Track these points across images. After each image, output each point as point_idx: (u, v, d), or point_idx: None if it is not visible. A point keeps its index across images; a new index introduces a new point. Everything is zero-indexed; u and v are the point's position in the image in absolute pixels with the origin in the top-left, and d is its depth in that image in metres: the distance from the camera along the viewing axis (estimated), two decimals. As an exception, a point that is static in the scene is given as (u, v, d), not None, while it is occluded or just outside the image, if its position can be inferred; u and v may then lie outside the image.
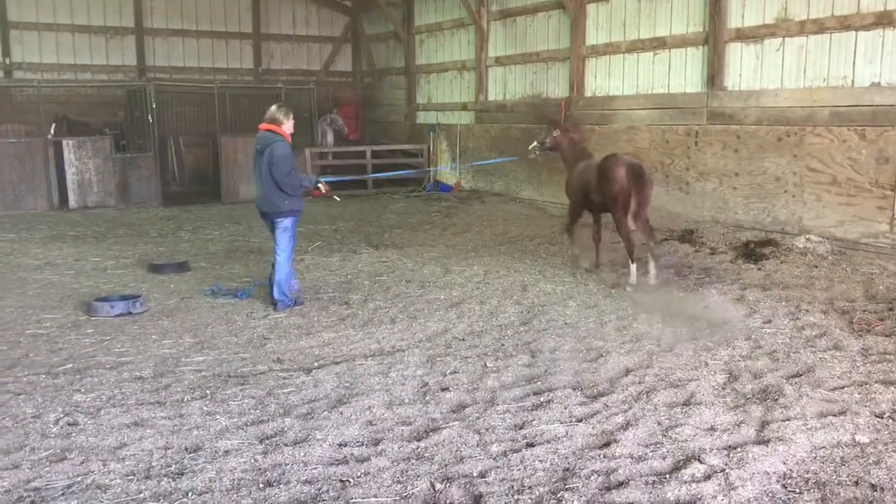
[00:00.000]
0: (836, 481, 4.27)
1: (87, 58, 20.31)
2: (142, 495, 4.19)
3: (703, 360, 6.33)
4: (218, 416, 5.28)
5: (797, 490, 4.18)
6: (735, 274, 9.45)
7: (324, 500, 4.12)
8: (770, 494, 4.13)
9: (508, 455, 4.61)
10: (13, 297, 8.78)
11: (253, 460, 4.59)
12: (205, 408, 5.44)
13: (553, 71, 15.89)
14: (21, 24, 19.46)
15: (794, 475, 4.34)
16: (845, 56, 10.44)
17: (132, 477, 4.39)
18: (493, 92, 17.91)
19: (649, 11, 13.44)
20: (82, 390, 5.80)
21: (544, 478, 4.34)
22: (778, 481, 4.28)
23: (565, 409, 5.34)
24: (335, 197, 9.94)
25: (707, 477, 4.31)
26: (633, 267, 9.06)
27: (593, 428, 5.02)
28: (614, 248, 10.37)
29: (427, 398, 5.60)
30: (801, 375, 5.95)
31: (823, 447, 4.68)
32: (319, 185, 8.54)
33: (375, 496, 4.16)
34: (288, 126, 8.16)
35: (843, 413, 5.19)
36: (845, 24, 10.35)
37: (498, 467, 4.46)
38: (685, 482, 4.25)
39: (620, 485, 4.25)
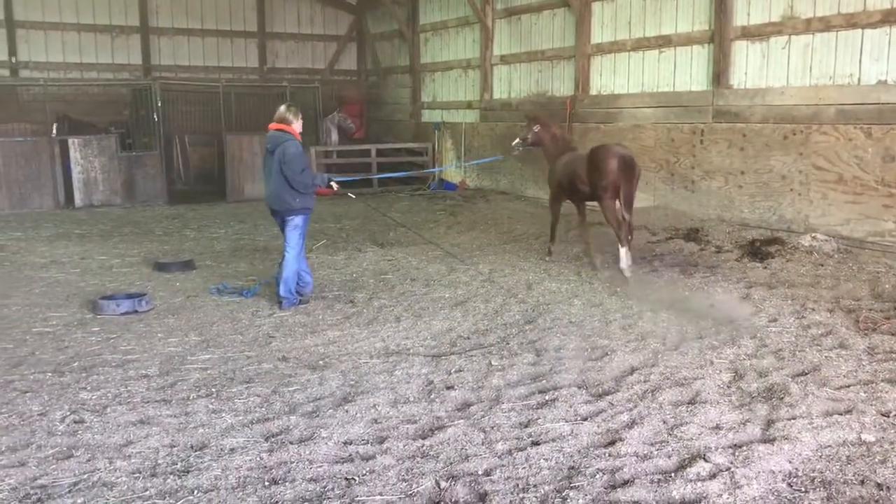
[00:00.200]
0: (841, 480, 4.26)
1: (93, 57, 20.36)
2: (147, 493, 4.20)
3: (708, 359, 6.32)
4: (223, 414, 5.29)
5: (803, 489, 4.17)
6: (741, 272, 9.43)
7: (329, 499, 4.12)
8: (776, 493, 4.13)
9: (513, 453, 4.61)
10: (20, 295, 8.81)
11: (258, 458, 4.60)
12: (210, 406, 5.45)
13: (558, 69, 15.88)
14: (27, 24, 19.52)
15: (800, 474, 4.33)
16: (852, 54, 10.40)
17: (138, 475, 4.41)
18: (498, 90, 17.91)
19: (655, 9, 13.41)
20: (88, 388, 5.82)
21: (549, 476, 4.34)
22: (783, 480, 4.27)
23: (570, 407, 5.34)
24: (350, 195, 10.08)
25: (712, 475, 4.31)
26: (624, 251, 9.30)
27: (598, 426, 5.01)
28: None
29: (432, 396, 5.60)
30: (806, 374, 5.94)
31: (829, 446, 4.67)
32: (332, 183, 8.66)
33: (381, 494, 4.17)
34: (297, 125, 8.23)
35: (848, 412, 5.18)
36: (852, 21, 10.32)
37: (503, 466, 4.46)
38: (690, 481, 4.24)
39: (626, 483, 4.25)
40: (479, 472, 4.39)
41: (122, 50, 20.68)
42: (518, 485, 4.23)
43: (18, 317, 7.90)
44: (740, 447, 4.66)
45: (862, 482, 4.23)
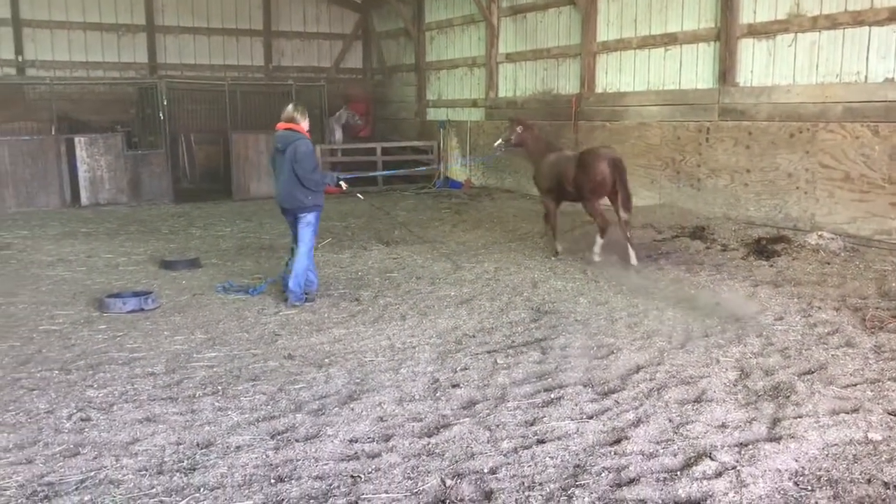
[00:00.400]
0: (848, 479, 4.24)
1: (99, 55, 20.40)
2: (154, 490, 4.21)
3: (714, 357, 6.31)
4: (229, 412, 5.30)
5: (809, 487, 4.16)
6: (747, 271, 9.41)
7: (335, 496, 4.13)
8: (782, 492, 4.12)
9: (519, 451, 4.61)
10: (26, 293, 8.84)
11: (264, 456, 4.61)
12: (216, 404, 5.46)
13: (564, 67, 15.86)
14: (34, 22, 19.56)
15: (807, 472, 4.32)
16: (858, 51, 10.37)
17: (144, 472, 4.42)
18: (504, 88, 17.89)
19: (660, 7, 13.38)
20: (95, 386, 5.83)
21: (555, 474, 4.34)
22: (790, 479, 4.26)
23: (576, 405, 5.34)
24: (358, 195, 10.17)
25: (718, 474, 4.30)
26: (601, 241, 10.00)
27: (604, 425, 5.01)
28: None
29: (438, 394, 5.61)
30: (813, 372, 5.92)
31: (836, 444, 4.66)
32: (341, 182, 8.78)
33: (386, 492, 4.17)
34: (305, 124, 8.35)
35: (855, 410, 5.16)
36: (858, 19, 10.28)
37: (509, 464, 4.46)
38: (696, 479, 4.24)
39: (631, 482, 4.24)
40: (485, 471, 4.39)
41: (128, 48, 20.72)
42: (524, 483, 4.23)
43: (25, 315, 7.93)
44: (746, 446, 4.65)
45: (868, 481, 4.22)
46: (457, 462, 4.50)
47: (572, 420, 5.08)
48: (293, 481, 4.30)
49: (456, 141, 19.42)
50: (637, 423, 5.03)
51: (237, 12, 22.00)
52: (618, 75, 14.49)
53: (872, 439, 4.72)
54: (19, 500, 4.11)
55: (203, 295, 8.73)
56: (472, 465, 4.45)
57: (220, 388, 5.78)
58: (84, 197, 16.07)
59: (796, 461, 4.45)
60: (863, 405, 5.24)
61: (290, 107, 8.42)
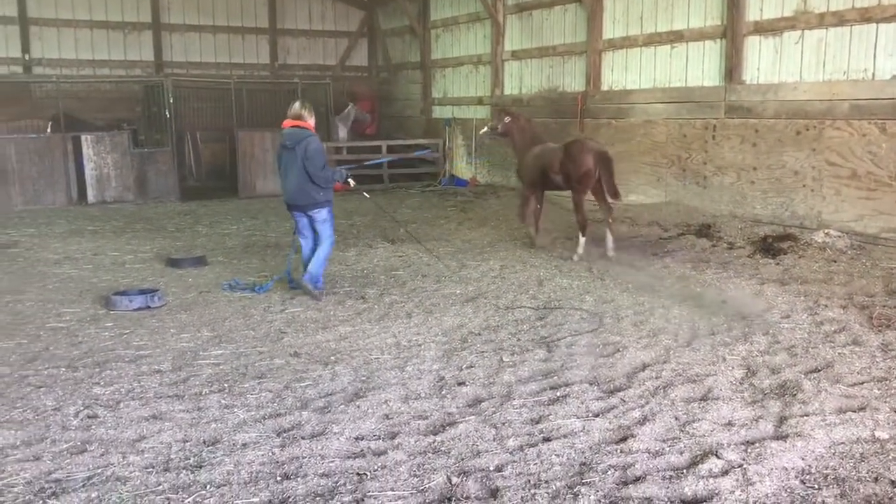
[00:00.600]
0: (855, 477, 4.23)
1: (106, 53, 20.44)
2: (160, 487, 4.22)
3: (720, 355, 6.30)
4: (236, 410, 5.31)
5: (816, 486, 4.15)
6: (753, 269, 9.39)
7: (341, 494, 4.14)
8: (788, 490, 4.11)
9: (525, 449, 4.61)
10: (33, 291, 8.87)
11: (270, 453, 4.62)
12: (223, 401, 5.47)
13: (569, 65, 15.84)
14: (40, 21, 19.61)
15: (813, 471, 4.32)
16: (866, 49, 10.33)
17: (151, 469, 4.43)
18: (509, 86, 17.88)
19: (667, 5, 13.35)
20: (102, 383, 5.85)
21: (561, 472, 4.34)
22: (796, 477, 4.25)
23: (582, 403, 5.34)
24: (364, 194, 10.27)
25: (724, 472, 4.29)
26: (583, 240, 10.20)
27: (610, 423, 5.01)
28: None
29: (443, 392, 5.61)
30: (819, 371, 5.91)
31: (843, 443, 4.65)
32: (349, 179, 8.88)
33: (392, 490, 4.18)
34: (312, 121, 8.44)
35: (862, 409, 5.15)
36: (866, 16, 10.24)
37: (514, 461, 4.46)
38: (702, 477, 4.23)
39: (637, 480, 4.24)
40: (491, 468, 4.39)
41: (134, 46, 20.75)
42: (529, 481, 4.23)
43: (32, 312, 7.95)
44: (753, 444, 4.64)
45: (876, 479, 4.21)
46: (463, 460, 4.51)
47: (578, 418, 5.08)
48: (299, 479, 4.31)
49: (461, 139, 19.41)
50: (643, 421, 5.03)
51: (243, 10, 22.01)
52: (624, 73, 14.47)
53: (879, 438, 4.71)
54: (27, 497, 4.12)
55: (209, 293, 8.75)
56: (477, 463, 4.45)
57: (226, 385, 5.80)
58: (90, 195, 16.12)
59: (803, 459, 4.44)
60: (870, 403, 5.23)
61: (297, 104, 8.47)
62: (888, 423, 4.91)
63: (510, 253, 10.75)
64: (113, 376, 6.01)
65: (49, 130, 16.50)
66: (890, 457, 4.45)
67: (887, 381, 5.63)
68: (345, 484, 4.24)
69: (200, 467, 4.45)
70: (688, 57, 13.09)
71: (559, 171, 10.26)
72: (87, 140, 16.04)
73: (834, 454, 4.51)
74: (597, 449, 4.63)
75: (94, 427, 5.03)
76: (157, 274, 9.77)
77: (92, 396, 5.58)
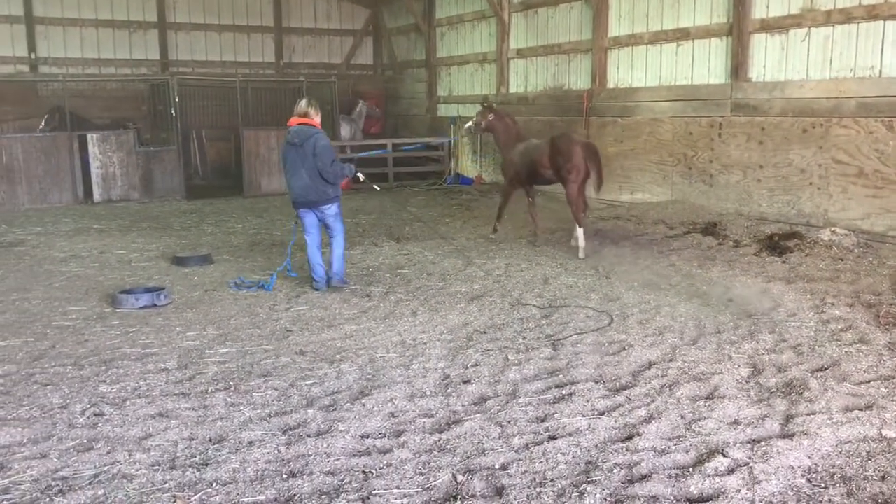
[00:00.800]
0: (862, 476, 4.22)
1: (111, 52, 20.48)
2: (167, 485, 4.23)
3: (726, 354, 6.29)
4: (241, 408, 5.32)
5: (822, 485, 4.14)
6: (759, 267, 9.37)
7: (346, 492, 4.14)
8: (795, 489, 4.10)
9: (530, 448, 4.61)
10: (40, 289, 8.89)
11: (276, 451, 4.62)
12: (228, 399, 5.48)
13: (575, 63, 15.81)
14: (46, 20, 19.65)
15: (820, 469, 4.30)
16: (873, 46, 10.29)
17: (157, 467, 4.44)
18: (515, 84, 17.86)
19: (672, 2, 13.32)
20: (108, 381, 5.86)
21: (566, 470, 4.33)
22: (803, 476, 4.24)
23: (587, 402, 5.33)
24: (374, 186, 10.38)
25: (731, 471, 4.29)
26: (580, 231, 10.37)
27: (616, 421, 5.00)
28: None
29: (449, 391, 5.61)
30: (826, 369, 5.89)
31: (849, 442, 4.64)
32: (358, 174, 9.13)
33: (398, 488, 4.18)
34: (318, 119, 8.59)
35: (869, 407, 5.14)
36: (873, 13, 10.20)
37: (520, 460, 4.46)
38: (708, 476, 4.23)
39: (643, 478, 4.23)
40: (496, 466, 4.39)
41: (139, 45, 20.79)
42: (535, 479, 4.23)
43: (39, 311, 7.98)
44: (759, 442, 4.63)
45: (883, 478, 4.20)
46: (468, 458, 4.51)
47: (584, 416, 5.07)
48: (305, 476, 4.31)
49: (467, 137, 19.38)
50: (649, 419, 5.02)
51: (248, 9, 22.03)
52: (629, 71, 14.44)
53: (886, 436, 4.70)
54: (34, 495, 4.14)
55: (215, 291, 8.76)
56: (483, 461, 4.45)
57: (232, 383, 5.81)
58: (96, 193, 16.16)
59: (809, 458, 4.43)
60: (876, 402, 5.21)
61: (304, 102, 8.59)
62: (895, 422, 4.89)
63: (515, 251, 10.74)
64: (119, 374, 6.02)
65: (43, 124, 16.49)
66: (897, 455, 4.44)
67: (894, 380, 5.61)
68: (350, 482, 4.24)
69: (206, 465, 4.45)
70: (694, 55, 13.06)
71: (549, 164, 10.58)
72: (92, 139, 16.08)
73: (840, 453, 4.50)
74: (602, 447, 4.62)
75: (100, 425, 5.04)
76: (162, 272, 9.79)
77: (98, 394, 5.60)
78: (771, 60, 11.70)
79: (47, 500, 4.08)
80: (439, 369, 6.06)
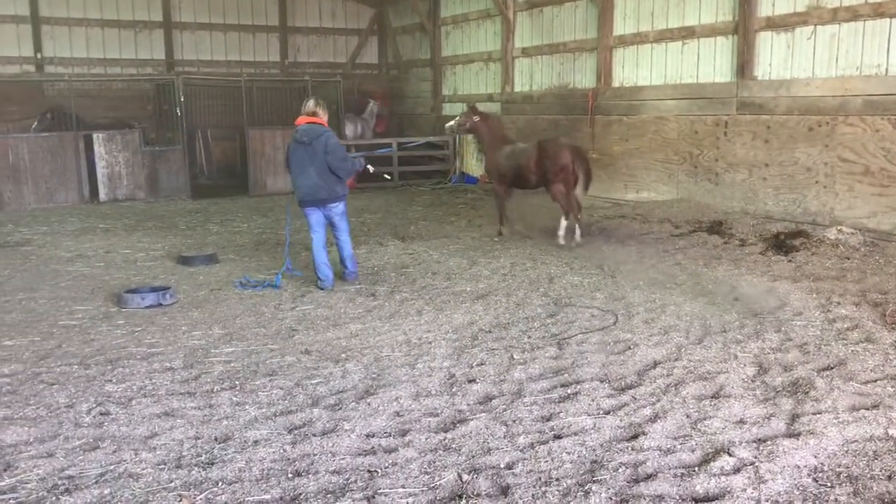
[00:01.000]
0: (868, 475, 4.21)
1: (117, 52, 20.52)
2: (173, 484, 4.24)
3: (732, 353, 6.27)
4: (247, 407, 5.33)
5: (829, 484, 4.13)
6: (765, 266, 9.34)
7: (352, 491, 4.14)
8: (801, 488, 4.09)
9: (536, 447, 4.60)
10: (46, 288, 8.92)
11: (282, 450, 4.63)
12: (234, 398, 5.49)
13: (580, 62, 15.79)
14: (52, 20, 19.70)
15: (826, 469, 4.29)
16: (879, 44, 10.26)
17: (163, 466, 4.45)
18: (520, 83, 17.84)
19: (678, 1, 13.30)
20: (114, 381, 5.88)
21: (572, 470, 4.33)
22: (809, 475, 4.23)
23: (593, 401, 5.32)
24: (385, 175, 10.54)
25: (736, 470, 4.28)
26: (565, 222, 10.88)
27: (621, 420, 4.99)
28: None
29: (454, 390, 5.60)
30: (832, 368, 5.88)
31: (856, 441, 4.62)
32: (368, 166, 9.36)
33: (403, 487, 4.18)
34: (325, 118, 8.69)
35: (875, 406, 5.12)
36: (879, 11, 10.17)
37: (525, 459, 4.45)
38: (714, 475, 4.22)
39: (649, 477, 4.23)
40: (502, 466, 4.39)
41: (145, 45, 20.82)
42: (540, 478, 4.22)
43: (45, 310, 8.00)
44: (765, 442, 4.62)
45: (889, 477, 4.18)
46: (473, 457, 4.51)
47: (589, 415, 5.07)
48: (310, 476, 4.31)
49: (472, 136, 19.36)
50: (654, 418, 5.01)
51: (253, 8, 22.05)
52: (635, 69, 14.42)
53: (893, 435, 4.68)
54: (40, 493, 4.15)
55: (220, 290, 8.78)
56: (488, 461, 4.45)
57: (237, 382, 5.81)
58: (102, 193, 16.21)
59: (815, 457, 4.41)
60: (883, 401, 5.20)
61: (312, 101, 8.71)
62: (902, 421, 4.88)
63: (521, 250, 10.74)
64: (125, 373, 6.04)
65: (35, 124, 16.48)
66: (904, 455, 4.43)
67: (901, 379, 5.59)
68: (356, 481, 4.24)
69: (212, 464, 4.46)
70: (699, 53, 13.04)
71: (535, 168, 10.89)
72: (98, 138, 16.13)
73: (847, 452, 4.49)
74: (608, 447, 4.61)
75: (106, 424, 5.05)
76: (168, 271, 9.80)
77: (104, 394, 5.61)
78: (777, 58, 11.67)
79: (54, 498, 4.10)
80: (444, 368, 6.06)
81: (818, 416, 4.96)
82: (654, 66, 13.99)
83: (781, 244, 10.10)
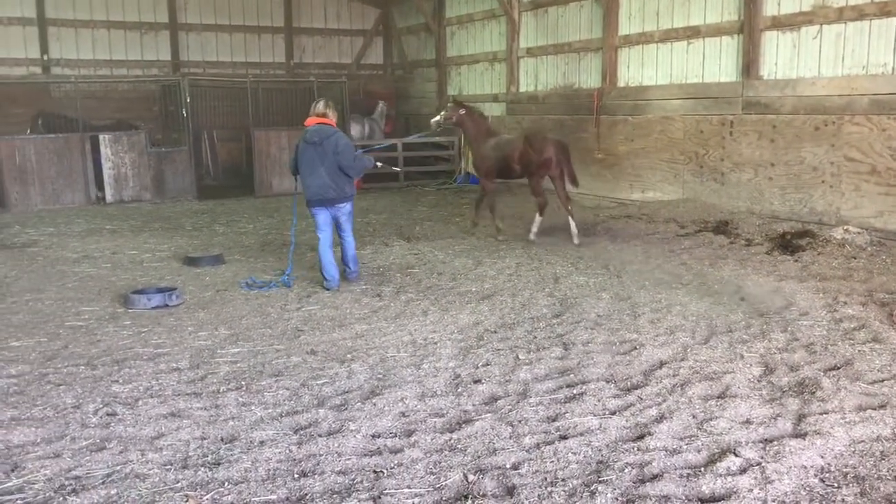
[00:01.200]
0: (875, 476, 4.20)
1: (123, 53, 20.57)
2: (179, 485, 4.25)
3: (738, 353, 6.26)
4: (253, 407, 5.34)
5: (835, 484, 4.12)
6: (771, 265, 9.32)
7: (357, 491, 4.14)
8: (807, 488, 4.08)
9: (541, 447, 4.60)
10: (53, 289, 8.94)
11: (288, 451, 4.64)
12: (240, 399, 5.50)
13: (585, 61, 15.77)
14: (59, 21, 19.76)
15: (833, 469, 4.28)
16: (885, 43, 10.22)
17: (170, 466, 4.46)
18: (525, 83, 17.83)
19: (683, 0, 13.27)
20: (121, 381, 5.89)
21: (578, 470, 4.32)
22: (815, 475, 4.22)
23: (599, 401, 5.32)
24: (394, 168, 10.67)
25: (743, 470, 4.27)
26: (539, 220, 11.28)
27: (627, 420, 4.99)
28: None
29: (459, 390, 5.61)
30: (839, 368, 5.86)
31: (862, 441, 4.61)
32: (378, 163, 9.66)
33: (409, 487, 4.18)
34: (334, 119, 8.82)
35: (882, 407, 5.10)
36: (885, 10, 10.13)
37: (531, 459, 4.45)
38: (720, 475, 4.21)
39: (654, 478, 4.22)
40: (507, 466, 4.39)
41: (150, 46, 20.87)
42: (546, 478, 4.22)
43: (52, 311, 8.02)
44: (771, 442, 4.61)
45: (896, 478, 4.17)
46: (479, 457, 4.51)
47: (595, 416, 5.06)
48: (316, 476, 4.32)
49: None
50: (660, 418, 5.00)
51: (259, 9, 22.09)
52: (640, 69, 14.39)
53: (900, 436, 4.67)
54: (47, 494, 4.16)
55: (226, 291, 8.79)
56: (494, 461, 4.45)
57: (243, 383, 5.82)
58: (108, 194, 16.26)
59: (822, 458, 4.40)
60: (890, 401, 5.18)
61: (322, 103, 8.84)
62: (909, 421, 4.86)
63: (526, 250, 10.73)
64: (131, 374, 6.05)
65: (29, 132, 16.49)
66: (911, 455, 4.41)
67: (908, 379, 5.58)
68: (361, 481, 4.25)
69: (218, 464, 4.47)
70: (704, 52, 13.01)
71: (519, 160, 11.13)
72: (104, 140, 16.18)
73: (854, 452, 4.47)
74: (614, 447, 4.61)
75: (113, 425, 5.07)
76: (174, 272, 9.83)
77: (111, 394, 5.62)
78: (782, 58, 11.65)
79: (61, 499, 4.11)
80: (450, 369, 6.07)
81: (825, 416, 4.95)
82: (659, 65, 13.97)
83: (787, 244, 10.07)
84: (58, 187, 15.83)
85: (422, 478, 4.28)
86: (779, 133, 11.56)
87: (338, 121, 9.03)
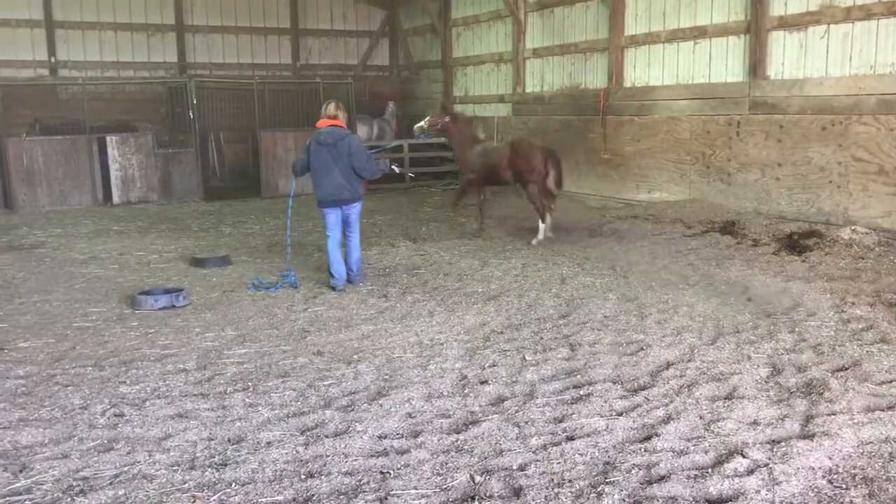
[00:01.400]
0: (883, 477, 4.18)
1: (130, 55, 20.62)
2: (186, 485, 4.26)
3: (745, 354, 6.24)
4: (260, 408, 5.34)
5: (844, 486, 4.10)
6: (778, 266, 9.30)
7: (364, 492, 4.15)
8: (815, 490, 4.06)
9: (548, 448, 4.60)
10: (60, 290, 8.97)
11: (294, 452, 4.64)
12: (247, 400, 5.51)
13: (591, 62, 15.75)
14: (66, 24, 19.82)
15: (841, 470, 4.26)
16: (893, 42, 10.18)
17: (177, 467, 4.47)
18: (531, 84, 17.81)
19: (689, 0, 13.24)
20: (128, 382, 5.91)
21: (584, 471, 4.32)
22: (823, 476, 4.20)
23: (605, 402, 5.31)
24: (409, 175, 10.74)
25: (750, 471, 4.26)
26: (542, 226, 11.25)
27: (634, 422, 4.98)
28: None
29: (466, 391, 5.60)
30: (846, 369, 5.84)
31: (871, 442, 4.59)
32: (393, 166, 9.84)
33: (415, 488, 4.18)
34: (344, 120, 8.94)
35: (891, 408, 5.08)
36: (893, 9, 10.09)
37: (538, 460, 4.45)
38: (728, 476, 4.20)
39: (662, 479, 4.21)
40: (514, 467, 4.39)
41: (157, 48, 20.92)
42: (553, 480, 4.22)
43: (59, 312, 8.05)
44: (779, 443, 4.60)
45: (905, 479, 4.15)
46: (486, 458, 4.50)
47: (602, 417, 5.06)
48: (323, 477, 4.32)
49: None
50: (667, 419, 4.99)
51: (265, 11, 22.12)
52: (646, 69, 14.37)
53: (908, 437, 4.65)
54: (55, 495, 4.18)
55: (233, 292, 8.81)
56: (501, 462, 4.45)
57: (250, 384, 5.83)
58: (115, 195, 16.32)
59: (830, 459, 4.39)
60: (898, 402, 5.16)
61: (332, 105, 8.93)
62: (917, 423, 4.84)
63: (532, 251, 10.73)
64: (139, 375, 6.07)
65: (25, 136, 16.46)
66: (919, 456, 4.39)
67: (916, 380, 5.55)
68: (368, 482, 4.25)
69: (225, 465, 4.48)
70: (711, 53, 12.98)
71: (507, 167, 11.25)
72: (112, 141, 16.24)
73: (862, 454, 4.46)
74: (621, 448, 4.60)
75: (120, 425, 5.08)
76: (181, 273, 9.85)
77: (118, 395, 5.64)
78: (789, 58, 11.61)
79: (68, 500, 4.12)
80: (456, 370, 6.06)
81: (833, 417, 4.93)
82: (665, 66, 13.94)
83: (795, 244, 10.05)
84: (65, 188, 15.89)
85: (428, 479, 4.28)
86: (786, 133, 11.53)
87: (347, 122, 9.10)
